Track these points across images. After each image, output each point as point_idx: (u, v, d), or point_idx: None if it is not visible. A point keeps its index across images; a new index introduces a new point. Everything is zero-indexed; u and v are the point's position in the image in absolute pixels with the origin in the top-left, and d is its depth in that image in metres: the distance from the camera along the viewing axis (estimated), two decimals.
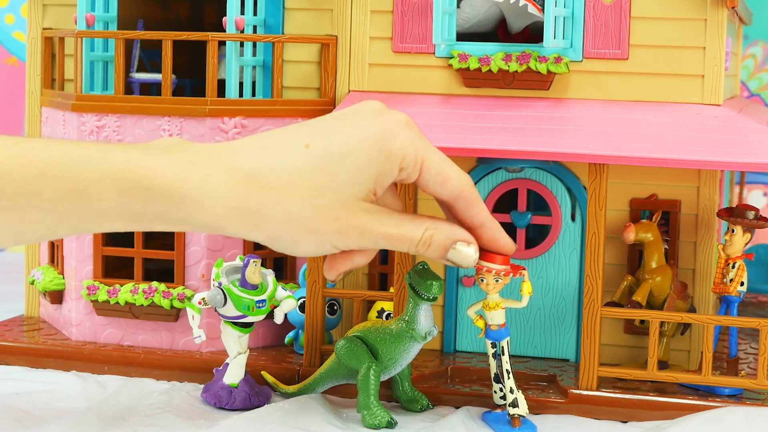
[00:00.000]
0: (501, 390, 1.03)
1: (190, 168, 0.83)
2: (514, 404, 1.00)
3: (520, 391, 1.01)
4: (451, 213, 0.92)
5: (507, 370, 1.00)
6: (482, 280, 0.98)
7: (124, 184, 0.83)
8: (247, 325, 1.07)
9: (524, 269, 0.98)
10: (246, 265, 1.05)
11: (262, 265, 1.10)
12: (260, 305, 1.06)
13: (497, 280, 0.98)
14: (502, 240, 0.93)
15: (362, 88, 1.19)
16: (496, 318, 1.00)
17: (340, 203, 0.85)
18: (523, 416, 1.00)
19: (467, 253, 0.90)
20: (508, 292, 1.04)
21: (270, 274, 1.07)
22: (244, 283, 1.06)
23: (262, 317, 1.06)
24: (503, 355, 1.01)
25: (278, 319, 1.08)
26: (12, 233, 0.85)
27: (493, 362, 1.02)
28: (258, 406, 1.05)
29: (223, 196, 0.83)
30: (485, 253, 0.94)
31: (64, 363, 1.17)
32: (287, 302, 1.07)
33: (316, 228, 0.85)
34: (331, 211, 0.85)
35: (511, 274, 0.96)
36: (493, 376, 1.03)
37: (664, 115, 1.09)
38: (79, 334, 1.22)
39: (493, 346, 1.02)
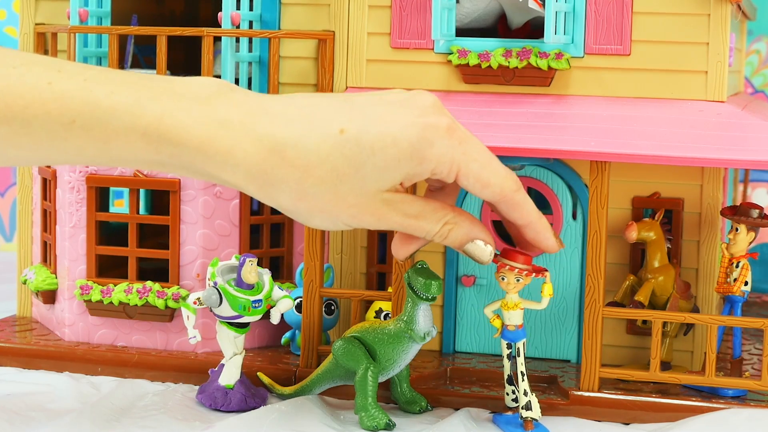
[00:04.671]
0: (513, 392, 1.02)
1: (220, 130, 0.85)
2: (528, 407, 0.99)
3: (534, 394, 1.00)
4: (495, 211, 0.93)
5: (522, 372, 1.00)
6: (503, 279, 0.98)
7: (152, 139, 0.85)
8: (243, 326, 1.06)
9: (546, 271, 0.98)
10: (242, 265, 1.04)
11: (259, 264, 1.09)
12: (256, 305, 1.05)
13: (518, 280, 0.97)
14: (545, 241, 0.94)
15: (360, 84, 1.18)
16: (514, 318, 1.00)
17: (359, 192, 0.87)
18: (536, 419, 0.99)
19: (483, 249, 0.91)
20: (524, 294, 1.03)
21: (266, 274, 1.06)
22: (240, 283, 1.05)
23: (258, 317, 1.06)
24: (518, 356, 1.00)
25: (275, 319, 1.07)
26: (34, 162, 0.89)
27: (507, 364, 1.01)
28: (254, 408, 1.05)
29: (247, 165, 0.85)
30: (508, 251, 0.95)
31: (56, 364, 1.17)
32: (284, 302, 1.07)
33: (329, 210, 0.87)
34: (349, 197, 0.87)
35: (533, 274, 0.97)
36: (506, 378, 1.02)
37: (667, 111, 1.08)
38: (72, 334, 1.21)
39: (509, 347, 1.01)
